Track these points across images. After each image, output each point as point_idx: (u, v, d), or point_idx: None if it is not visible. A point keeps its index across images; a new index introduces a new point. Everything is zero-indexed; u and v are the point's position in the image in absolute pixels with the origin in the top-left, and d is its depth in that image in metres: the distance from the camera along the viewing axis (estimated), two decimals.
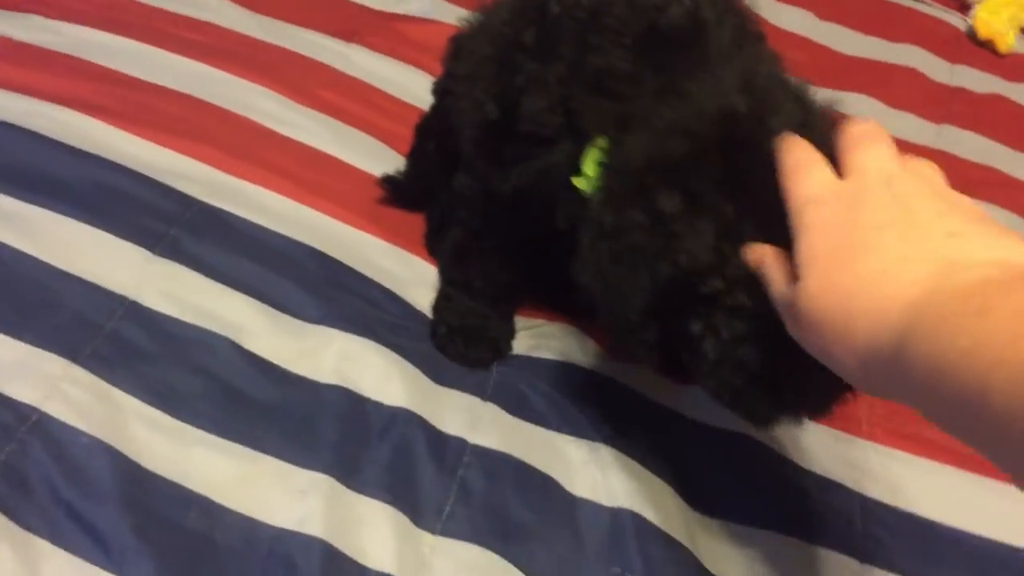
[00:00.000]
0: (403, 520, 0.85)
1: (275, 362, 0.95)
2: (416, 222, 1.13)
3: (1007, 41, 1.53)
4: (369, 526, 0.84)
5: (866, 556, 0.88)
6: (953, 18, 1.59)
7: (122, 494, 0.83)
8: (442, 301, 1.03)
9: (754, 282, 0.68)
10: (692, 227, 0.71)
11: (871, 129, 0.67)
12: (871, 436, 0.98)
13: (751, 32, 0.85)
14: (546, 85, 0.83)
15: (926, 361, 0.50)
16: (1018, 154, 1.36)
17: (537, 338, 1.04)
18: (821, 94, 1.40)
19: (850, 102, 1.39)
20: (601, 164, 0.80)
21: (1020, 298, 0.47)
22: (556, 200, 0.85)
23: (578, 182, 0.82)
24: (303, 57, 1.30)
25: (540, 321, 1.05)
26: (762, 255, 0.68)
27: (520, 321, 1.05)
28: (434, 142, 1.10)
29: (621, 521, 0.87)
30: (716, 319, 0.70)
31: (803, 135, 0.69)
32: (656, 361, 0.78)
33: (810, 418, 0.78)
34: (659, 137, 0.75)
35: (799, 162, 0.67)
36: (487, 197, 0.91)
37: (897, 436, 0.98)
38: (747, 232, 0.70)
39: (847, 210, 0.61)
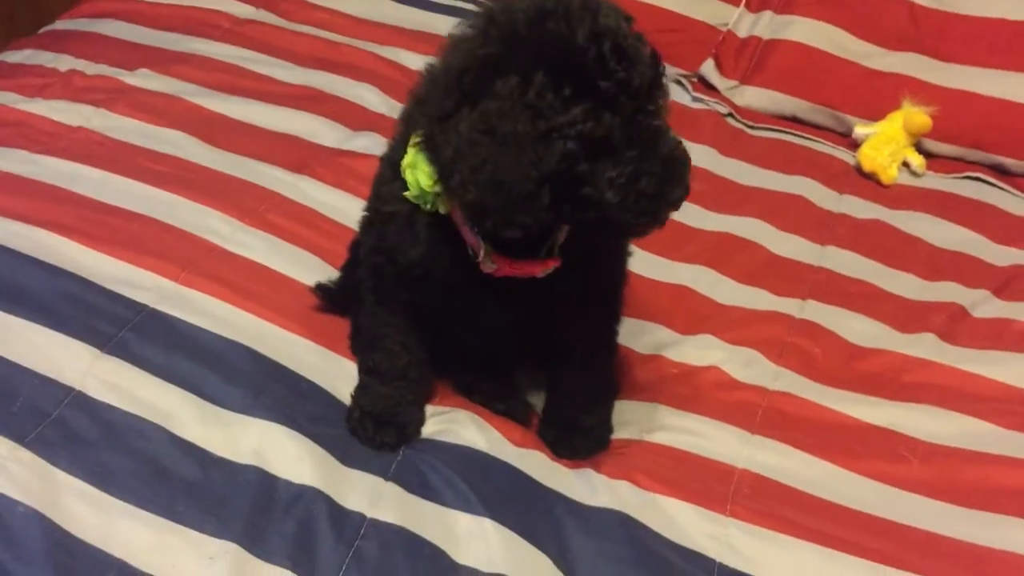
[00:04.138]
0: None
1: (200, 445, 1.07)
2: (344, 326, 1.26)
3: (890, 174, 1.69)
4: None
5: None
6: (843, 154, 1.77)
7: (51, 557, 0.94)
8: (358, 389, 1.16)
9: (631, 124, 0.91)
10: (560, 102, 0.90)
11: None
12: (733, 514, 1.08)
13: None
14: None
15: None
16: (891, 270, 1.50)
17: (444, 423, 1.15)
18: (718, 219, 1.57)
19: (744, 225, 1.55)
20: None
21: None
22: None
23: (409, 195, 1.02)
24: (256, 186, 1.47)
25: (448, 408, 1.17)
26: None
27: (430, 409, 1.17)
28: None
29: None
30: (609, 173, 0.92)
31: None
32: (547, 220, 0.94)
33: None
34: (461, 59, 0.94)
35: None
36: (377, 273, 1.10)
37: (758, 514, 1.08)
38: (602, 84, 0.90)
39: None
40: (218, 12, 1.94)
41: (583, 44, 0.91)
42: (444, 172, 0.94)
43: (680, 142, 0.97)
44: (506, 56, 0.92)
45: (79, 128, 1.55)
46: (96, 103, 1.60)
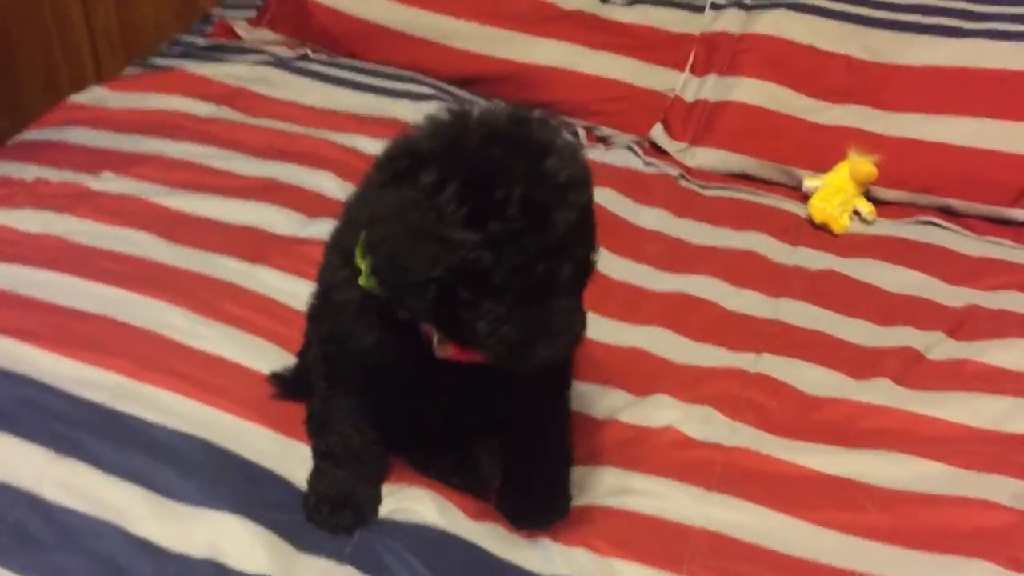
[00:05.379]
0: None
1: (154, 541, 1.08)
2: (300, 411, 1.27)
3: (841, 223, 1.71)
4: None
5: None
6: (795, 207, 1.79)
7: None
8: (314, 474, 1.17)
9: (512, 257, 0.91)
10: (461, 219, 0.91)
11: None
12: (691, 574, 1.08)
13: None
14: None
15: None
16: (845, 318, 1.51)
17: (400, 502, 1.16)
18: (671, 279, 1.57)
19: (698, 284, 1.57)
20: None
21: None
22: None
23: (362, 281, 1.04)
24: (214, 279, 1.49)
25: (404, 485, 1.18)
26: None
27: (386, 487, 1.18)
28: None
29: None
30: (484, 305, 0.94)
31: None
32: (431, 316, 0.99)
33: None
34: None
35: None
36: (329, 360, 1.13)
37: (716, 573, 1.08)
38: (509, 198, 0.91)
39: None
40: (180, 113, 1.99)
41: (501, 179, 0.92)
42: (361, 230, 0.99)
43: (582, 313, 0.99)
44: (440, 154, 0.96)
45: (41, 235, 1.57)
46: (59, 209, 1.63)
